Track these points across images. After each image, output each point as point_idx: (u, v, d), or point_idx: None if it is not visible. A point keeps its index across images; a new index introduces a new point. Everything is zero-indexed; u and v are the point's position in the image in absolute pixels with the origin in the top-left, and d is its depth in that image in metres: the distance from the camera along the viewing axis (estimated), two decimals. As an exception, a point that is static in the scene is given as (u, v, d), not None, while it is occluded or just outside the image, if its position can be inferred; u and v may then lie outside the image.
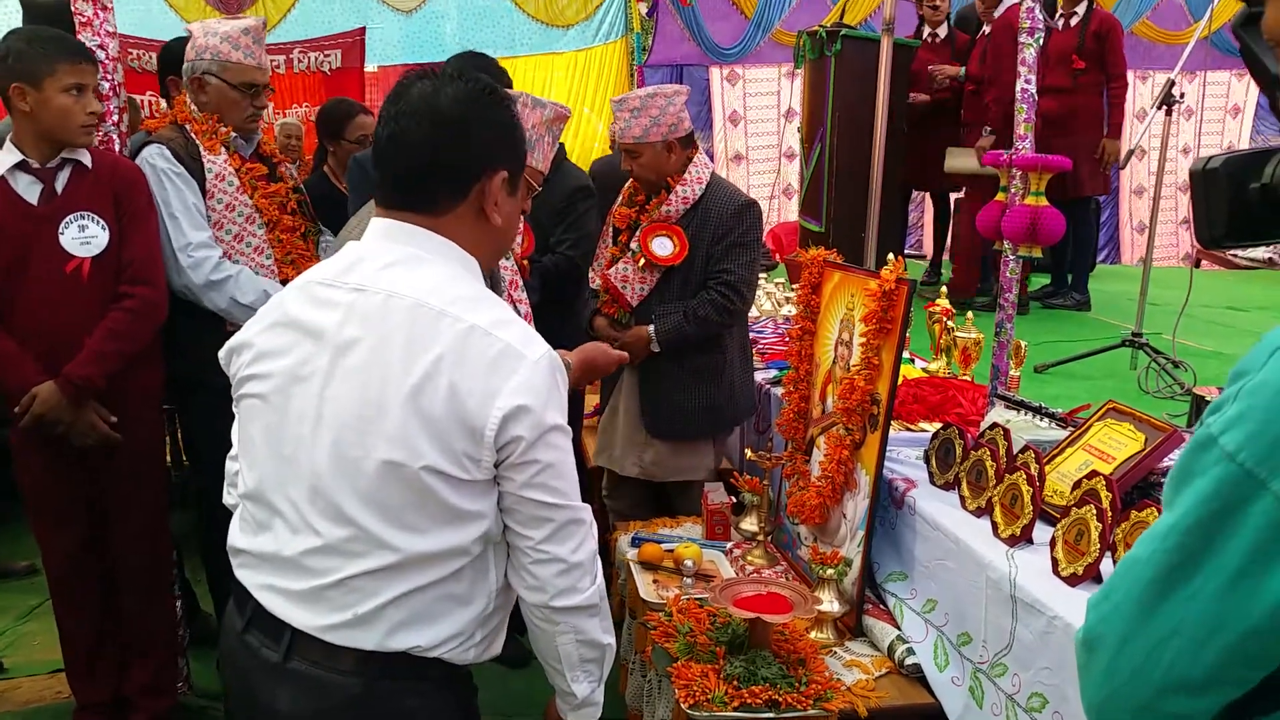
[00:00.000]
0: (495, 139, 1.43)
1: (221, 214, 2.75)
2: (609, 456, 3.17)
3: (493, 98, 1.44)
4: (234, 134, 2.81)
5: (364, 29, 7.15)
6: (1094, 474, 1.99)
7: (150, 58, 5.84)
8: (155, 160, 2.70)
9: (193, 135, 2.77)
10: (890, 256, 2.72)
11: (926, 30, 6.12)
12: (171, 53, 3.37)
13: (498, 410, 1.30)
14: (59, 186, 2.51)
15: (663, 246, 2.95)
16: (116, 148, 2.76)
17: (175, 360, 2.76)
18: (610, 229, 3.19)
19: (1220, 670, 0.80)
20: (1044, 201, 2.64)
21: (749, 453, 2.69)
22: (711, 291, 2.93)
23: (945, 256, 6.54)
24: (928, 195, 6.84)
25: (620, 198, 3.17)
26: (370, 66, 7.26)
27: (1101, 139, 5.18)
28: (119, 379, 2.55)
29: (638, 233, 2.99)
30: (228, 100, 2.77)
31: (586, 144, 7.76)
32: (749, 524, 2.74)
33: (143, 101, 5.30)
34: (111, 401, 2.56)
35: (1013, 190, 2.72)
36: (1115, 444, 2.17)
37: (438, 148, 1.39)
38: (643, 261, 2.95)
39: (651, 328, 2.96)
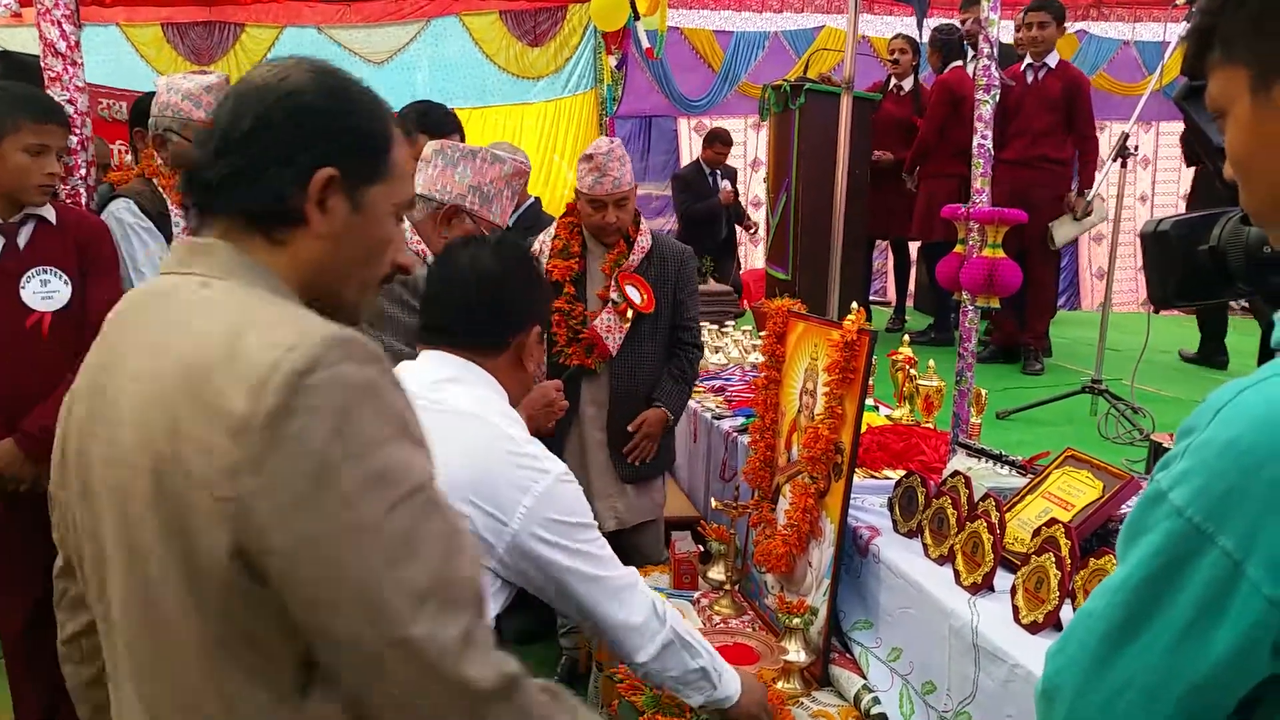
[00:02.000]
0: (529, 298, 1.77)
1: (188, 267, 2.75)
2: None
3: (528, 262, 1.79)
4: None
5: (336, 80, 7.18)
6: (1053, 521, 2.02)
7: (120, 107, 5.86)
8: (122, 214, 2.71)
9: (160, 189, 2.79)
10: (854, 305, 2.76)
11: (893, 83, 6.26)
12: (141, 107, 3.39)
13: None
14: (21, 242, 2.51)
15: (636, 295, 3.03)
16: (84, 201, 2.76)
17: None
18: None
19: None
20: (1001, 253, 2.71)
21: (715, 502, 2.71)
22: (687, 350, 3.17)
23: (909, 303, 6.66)
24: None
25: (548, 250, 3.16)
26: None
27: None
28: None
29: (614, 283, 3.03)
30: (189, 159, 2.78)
31: (557, 192, 7.83)
32: (716, 573, 2.74)
33: (112, 150, 5.30)
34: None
35: (971, 243, 2.78)
36: (1074, 491, 2.21)
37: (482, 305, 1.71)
38: (630, 312, 3.02)
39: (663, 409, 3.14)
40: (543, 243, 3.16)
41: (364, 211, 1.08)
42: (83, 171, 2.76)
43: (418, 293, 1.95)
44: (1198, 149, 1.09)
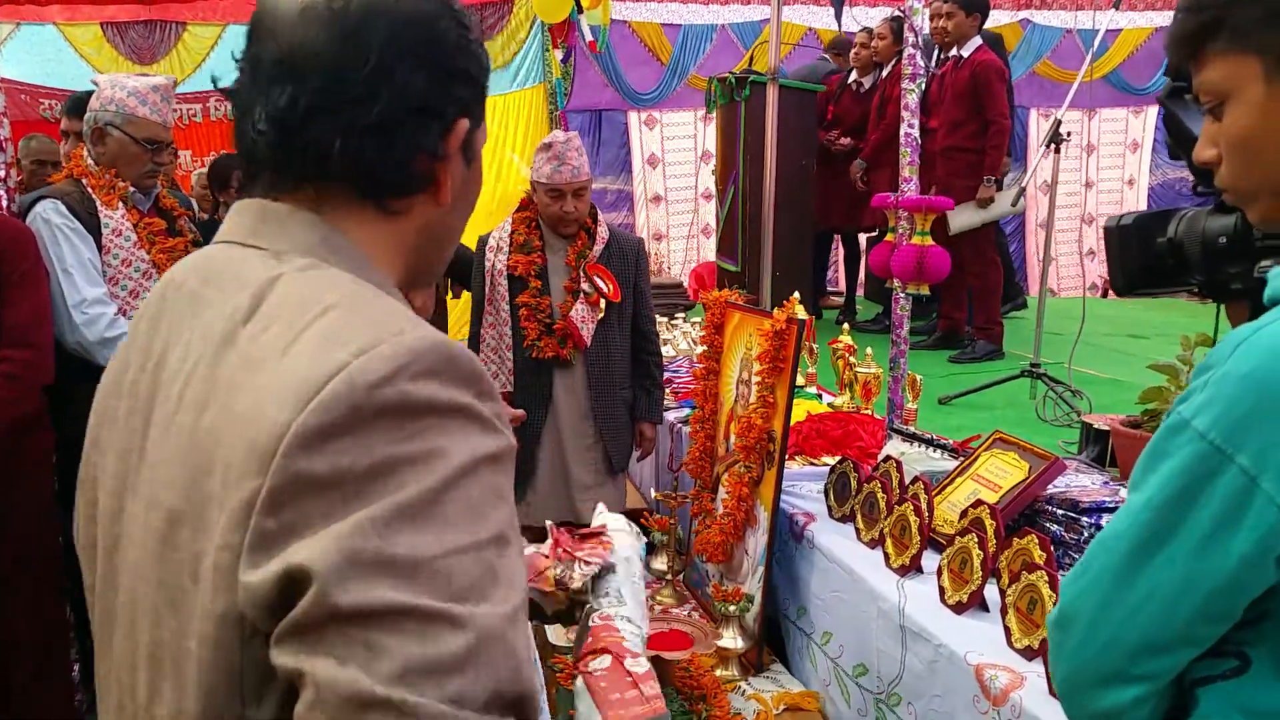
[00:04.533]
0: None
1: (118, 269, 2.72)
2: (557, 512, 3.11)
3: None
4: (132, 189, 2.78)
5: (281, 77, 7.10)
6: (979, 503, 2.06)
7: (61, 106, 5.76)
8: (49, 215, 2.66)
9: (89, 190, 2.74)
10: (796, 295, 2.79)
11: (853, 77, 6.25)
12: (76, 100, 3.34)
13: None
14: None
15: (604, 285, 3.06)
16: (3, 204, 2.71)
17: (68, 423, 2.70)
18: (504, 276, 3.13)
19: (1188, 629, 0.92)
20: (929, 241, 2.75)
21: (655, 492, 2.73)
22: (652, 358, 3.26)
23: (860, 293, 6.72)
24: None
25: (506, 245, 3.14)
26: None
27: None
28: (5, 444, 2.49)
29: (582, 274, 3.05)
30: (128, 154, 2.74)
31: (509, 187, 7.79)
32: (659, 563, 2.76)
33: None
34: (-1, 468, 2.49)
35: (900, 231, 2.82)
36: (1001, 473, 2.25)
37: None
38: (602, 302, 3.04)
39: (653, 422, 3.28)
40: (499, 238, 3.15)
41: (475, 164, 0.89)
42: (1, 174, 2.70)
43: None
44: (1177, 144, 1.18)
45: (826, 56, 6.87)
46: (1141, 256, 1.19)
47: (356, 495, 0.65)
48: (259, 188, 0.83)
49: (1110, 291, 1.39)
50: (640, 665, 1.27)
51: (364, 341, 0.68)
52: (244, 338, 0.73)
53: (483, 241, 3.17)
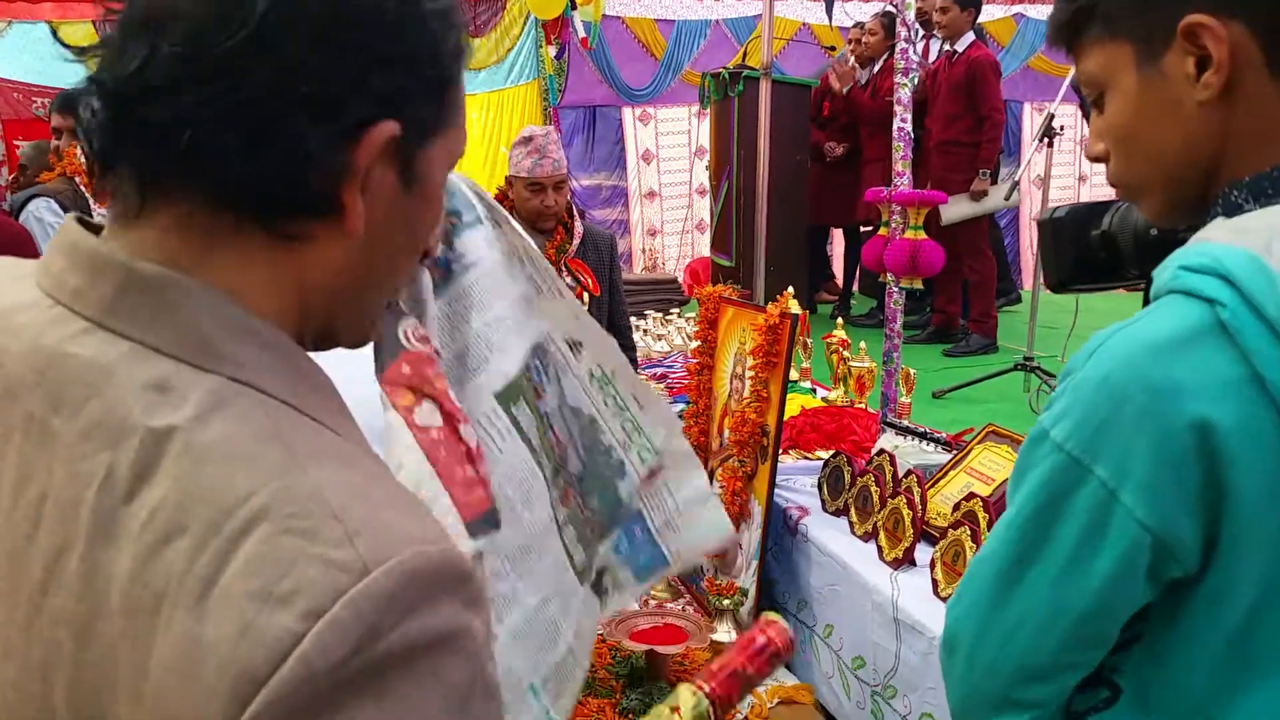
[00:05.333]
0: None
1: (111, 267, 2.72)
2: None
3: None
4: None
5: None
6: (972, 495, 2.07)
7: (55, 105, 5.75)
8: (42, 214, 2.67)
9: (81, 188, 2.75)
10: (789, 290, 2.79)
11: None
12: (67, 100, 3.33)
13: None
14: None
15: (585, 280, 3.06)
16: (-3, 203, 2.72)
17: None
18: None
19: (1062, 655, 0.87)
20: (922, 235, 2.76)
21: (650, 488, 2.73)
22: (628, 350, 3.25)
23: (855, 288, 6.74)
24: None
25: None
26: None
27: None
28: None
29: (564, 268, 3.06)
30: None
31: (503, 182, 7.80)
32: (654, 558, 2.77)
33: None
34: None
35: (893, 225, 2.83)
36: (994, 466, 2.26)
37: None
38: (585, 296, 3.05)
39: None
40: None
41: (419, 186, 0.65)
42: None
43: None
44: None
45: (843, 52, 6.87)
46: (1074, 250, 1.15)
47: None
48: (114, 207, 0.60)
49: (1048, 289, 1.33)
50: (471, 437, 0.92)
51: (314, 594, 0.49)
52: (129, 534, 0.52)
53: None
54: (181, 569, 0.50)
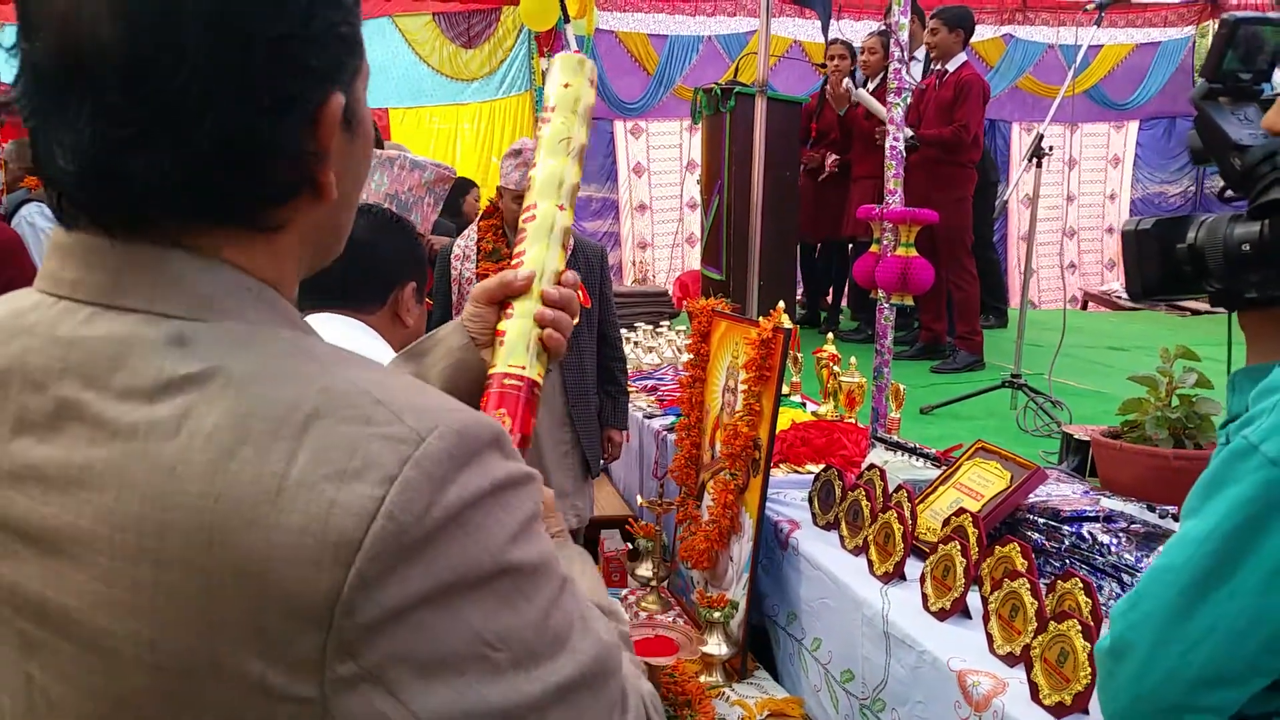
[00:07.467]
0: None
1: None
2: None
3: (397, 227, 1.75)
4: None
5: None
6: (962, 511, 2.08)
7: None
8: (35, 219, 2.67)
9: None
10: (781, 305, 2.82)
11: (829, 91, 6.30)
12: None
13: None
14: None
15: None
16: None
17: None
18: (471, 284, 3.17)
19: (1257, 661, 0.89)
20: (914, 252, 2.78)
21: (641, 499, 2.74)
22: (617, 365, 3.32)
23: (844, 303, 6.77)
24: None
25: (474, 253, 3.17)
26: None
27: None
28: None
29: None
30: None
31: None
32: (644, 570, 2.77)
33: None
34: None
35: (885, 242, 2.86)
36: (984, 481, 2.28)
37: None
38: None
39: (620, 429, 3.40)
40: (465, 247, 3.15)
41: (358, 125, 0.69)
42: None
43: None
44: (1210, 147, 1.17)
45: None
46: (1159, 262, 1.19)
47: (442, 614, 0.58)
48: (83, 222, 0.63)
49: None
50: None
51: (383, 465, 0.57)
52: (188, 462, 0.57)
53: (448, 250, 3.19)
54: (253, 476, 0.56)
